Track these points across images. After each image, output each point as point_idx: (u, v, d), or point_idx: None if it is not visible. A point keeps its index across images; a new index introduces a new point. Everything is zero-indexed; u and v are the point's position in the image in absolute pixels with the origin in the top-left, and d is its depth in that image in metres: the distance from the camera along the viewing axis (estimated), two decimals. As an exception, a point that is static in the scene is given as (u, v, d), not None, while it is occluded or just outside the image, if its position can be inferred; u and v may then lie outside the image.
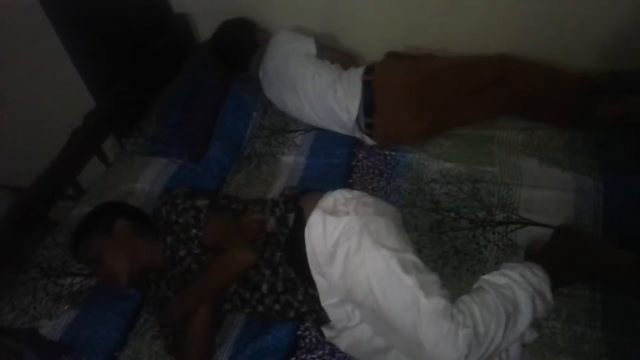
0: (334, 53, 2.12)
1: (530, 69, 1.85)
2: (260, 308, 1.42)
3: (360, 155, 1.92)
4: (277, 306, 1.41)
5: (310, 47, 2.05)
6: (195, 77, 2.17)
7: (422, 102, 1.83)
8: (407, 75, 1.86)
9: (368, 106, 1.88)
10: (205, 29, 2.36)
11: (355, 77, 1.91)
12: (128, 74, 2.13)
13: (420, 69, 1.89)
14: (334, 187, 1.49)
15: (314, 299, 1.36)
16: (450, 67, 1.89)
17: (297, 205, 1.44)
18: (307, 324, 1.44)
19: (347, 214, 1.32)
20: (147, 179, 1.85)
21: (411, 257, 1.28)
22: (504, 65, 1.82)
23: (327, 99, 1.93)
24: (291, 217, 1.43)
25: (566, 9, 1.90)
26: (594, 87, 1.78)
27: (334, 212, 1.34)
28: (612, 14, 1.87)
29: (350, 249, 1.28)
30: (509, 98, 1.82)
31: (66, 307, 1.52)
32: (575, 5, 1.88)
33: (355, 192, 1.43)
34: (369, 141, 1.94)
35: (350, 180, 1.83)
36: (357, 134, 1.96)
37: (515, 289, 1.24)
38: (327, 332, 1.37)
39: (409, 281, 1.21)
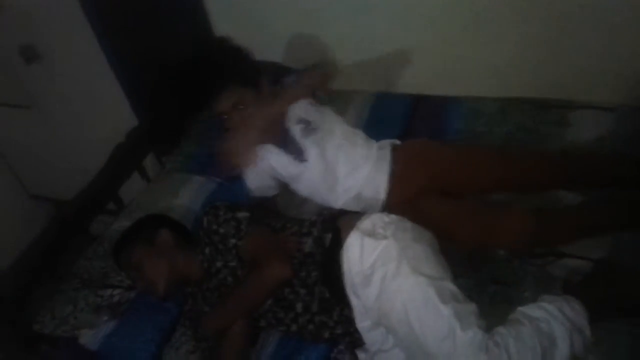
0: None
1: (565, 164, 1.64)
2: (294, 327, 1.43)
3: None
4: (311, 326, 1.42)
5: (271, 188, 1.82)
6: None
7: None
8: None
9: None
10: (245, 52, 2.41)
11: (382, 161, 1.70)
12: (170, 95, 2.20)
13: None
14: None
15: (349, 320, 1.37)
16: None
17: (334, 226, 1.46)
18: (341, 347, 1.44)
19: (386, 237, 1.33)
20: (186, 196, 1.90)
21: (449, 285, 1.28)
22: (540, 167, 1.63)
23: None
24: (328, 237, 1.45)
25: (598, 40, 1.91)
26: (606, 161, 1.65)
27: (372, 234, 1.36)
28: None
29: (388, 274, 1.28)
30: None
31: (105, 318, 1.56)
32: (610, 36, 1.89)
33: (394, 217, 1.44)
34: None
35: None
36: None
37: (552, 323, 1.22)
38: (361, 355, 1.38)
39: (446, 311, 1.21)
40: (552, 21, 1.92)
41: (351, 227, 1.40)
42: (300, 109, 1.77)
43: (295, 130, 1.73)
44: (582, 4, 1.84)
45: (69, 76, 2.15)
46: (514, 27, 1.98)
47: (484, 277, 1.51)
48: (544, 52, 2.00)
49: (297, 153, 1.71)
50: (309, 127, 1.73)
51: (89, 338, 1.52)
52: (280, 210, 1.83)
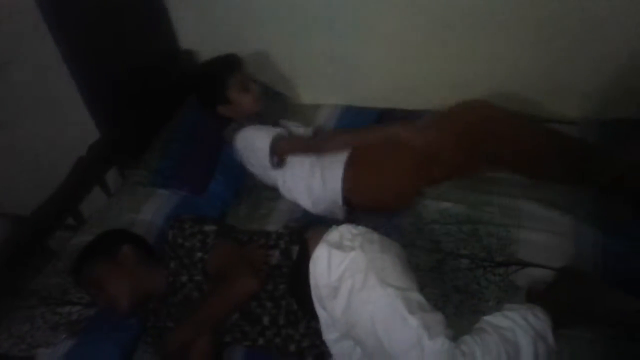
0: (295, 146, 1.97)
1: (515, 120, 1.75)
2: (260, 341, 1.42)
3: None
4: (277, 339, 1.40)
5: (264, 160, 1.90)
6: (198, 112, 2.22)
7: (393, 172, 1.78)
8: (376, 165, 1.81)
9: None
10: (210, 66, 2.40)
11: (335, 166, 1.83)
12: (133, 107, 2.17)
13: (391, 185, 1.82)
14: (335, 222, 1.51)
15: (316, 333, 1.36)
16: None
17: (302, 238, 1.46)
18: (308, 360, 1.42)
19: (353, 249, 1.33)
20: (149, 210, 1.86)
21: (416, 296, 1.28)
22: (485, 111, 1.74)
23: (303, 195, 1.90)
24: (295, 249, 1.45)
25: (561, 55, 1.97)
26: (585, 148, 1.73)
27: (339, 246, 1.36)
28: (610, 61, 1.94)
29: (355, 285, 1.28)
30: (496, 152, 1.73)
31: (64, 336, 1.50)
32: (571, 52, 1.96)
33: (361, 228, 1.44)
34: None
35: (351, 217, 1.84)
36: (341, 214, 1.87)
37: (517, 331, 1.24)
38: (329, 368, 1.37)
39: (414, 321, 1.21)
40: (515, 37, 1.98)
41: (319, 239, 1.40)
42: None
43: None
44: (540, 21, 1.91)
45: (28, 88, 2.08)
46: (479, 43, 2.04)
47: (448, 287, 1.53)
48: (507, 67, 2.06)
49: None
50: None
51: (47, 357, 1.46)
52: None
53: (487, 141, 1.68)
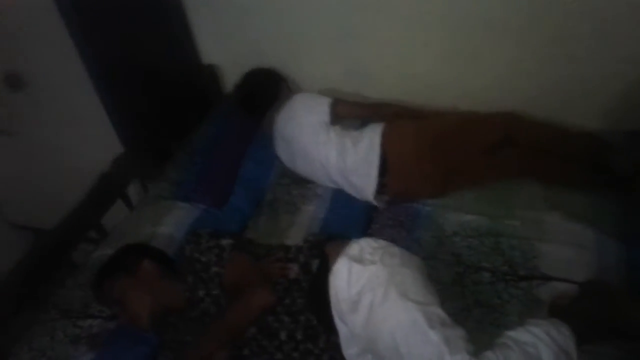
0: (357, 108, 2.16)
1: (536, 126, 1.88)
2: (278, 355, 1.41)
3: (382, 206, 1.92)
4: (296, 354, 1.39)
5: (323, 116, 2.05)
6: (220, 126, 2.25)
7: (434, 161, 1.84)
8: (419, 135, 1.89)
9: (381, 167, 1.88)
10: (231, 80, 2.42)
11: (371, 144, 1.90)
12: (156, 121, 2.20)
13: (431, 127, 1.92)
14: (354, 236, 1.50)
15: (336, 347, 1.35)
16: (459, 125, 1.91)
17: (321, 252, 1.45)
18: (327, 375, 1.41)
19: (374, 263, 1.33)
20: (170, 223, 1.87)
21: (437, 310, 1.27)
22: (511, 123, 1.85)
23: (338, 168, 1.95)
24: (315, 263, 1.44)
25: (579, 70, 1.94)
26: (605, 146, 1.79)
27: (359, 260, 1.35)
28: (626, 74, 1.90)
29: (375, 300, 1.27)
30: (519, 158, 1.83)
31: (84, 349, 1.51)
32: (588, 66, 1.93)
33: (382, 242, 1.44)
34: (380, 203, 1.92)
35: (370, 231, 1.83)
36: (371, 198, 1.92)
37: (540, 347, 1.22)
38: (348, 383, 1.35)
39: (435, 336, 1.20)
40: (526, 43, 1.96)
41: (339, 252, 1.39)
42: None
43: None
44: (557, 28, 1.89)
45: (54, 103, 2.13)
46: (490, 46, 2.02)
47: (470, 301, 1.50)
48: (516, 72, 2.04)
49: None
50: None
51: (67, 370, 1.47)
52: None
53: (514, 147, 1.78)
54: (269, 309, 1.39)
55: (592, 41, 1.86)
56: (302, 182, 2.10)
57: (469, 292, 1.54)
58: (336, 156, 1.94)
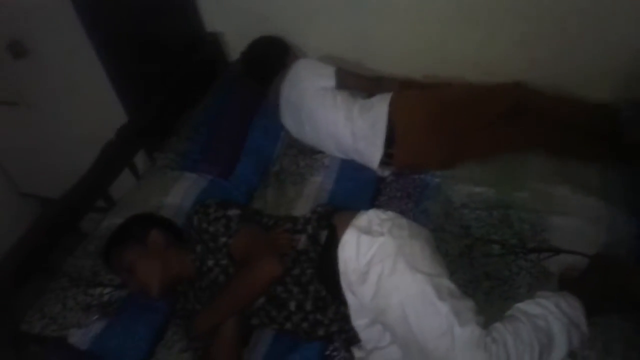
0: (359, 80, 2.12)
1: (546, 96, 1.87)
2: (287, 325, 1.42)
3: (388, 177, 1.92)
4: (305, 324, 1.40)
5: (329, 81, 2.03)
6: (225, 95, 2.23)
7: (442, 131, 1.83)
8: (427, 105, 1.87)
9: (388, 137, 1.87)
10: (236, 49, 2.39)
11: (378, 112, 1.89)
12: (161, 90, 2.17)
13: (439, 98, 1.91)
14: (362, 208, 1.49)
15: (345, 318, 1.36)
16: (468, 95, 1.91)
17: (330, 223, 1.45)
18: (336, 344, 1.42)
19: (382, 234, 1.32)
20: (177, 194, 1.87)
21: (446, 282, 1.27)
22: (520, 93, 1.84)
23: (345, 134, 1.93)
24: (324, 234, 1.43)
25: (587, 37, 1.92)
26: (614, 114, 1.78)
27: (368, 231, 1.34)
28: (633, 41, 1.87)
29: (384, 271, 1.27)
30: (529, 128, 1.81)
31: (95, 317, 1.52)
32: (595, 32, 1.90)
33: (390, 213, 1.43)
34: (386, 173, 1.92)
35: (378, 202, 1.82)
36: (375, 167, 1.92)
37: (549, 319, 1.22)
38: (357, 353, 1.36)
39: (444, 308, 1.20)
40: (548, 19, 1.92)
41: (347, 224, 1.39)
42: None
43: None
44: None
45: (57, 72, 2.11)
46: (509, 24, 1.98)
47: (478, 273, 1.51)
48: (539, 50, 2.00)
49: None
50: None
51: (79, 338, 1.48)
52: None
53: (523, 118, 1.79)
54: (277, 279, 1.39)
55: (601, 10, 1.83)
56: (309, 153, 2.08)
57: (478, 265, 1.54)
58: (344, 121, 1.93)
